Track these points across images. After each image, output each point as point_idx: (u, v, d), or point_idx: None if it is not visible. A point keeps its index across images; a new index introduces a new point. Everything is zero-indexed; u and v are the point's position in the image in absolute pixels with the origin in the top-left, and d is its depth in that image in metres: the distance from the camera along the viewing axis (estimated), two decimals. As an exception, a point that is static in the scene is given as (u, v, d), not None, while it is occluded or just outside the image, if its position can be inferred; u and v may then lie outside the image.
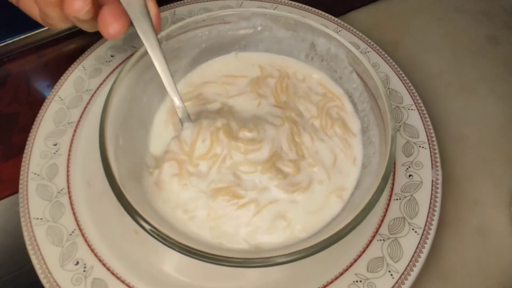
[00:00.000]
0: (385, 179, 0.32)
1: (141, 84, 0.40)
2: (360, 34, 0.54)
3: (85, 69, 0.49)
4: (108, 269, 0.37)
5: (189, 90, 0.45)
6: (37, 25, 0.55)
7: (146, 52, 0.40)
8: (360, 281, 0.37)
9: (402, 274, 0.37)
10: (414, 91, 0.49)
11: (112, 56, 0.51)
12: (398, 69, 0.51)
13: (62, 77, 0.48)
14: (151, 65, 0.37)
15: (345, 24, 0.54)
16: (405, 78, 0.50)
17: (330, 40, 0.42)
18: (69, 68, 0.49)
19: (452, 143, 0.48)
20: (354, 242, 0.39)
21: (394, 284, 0.37)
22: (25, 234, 0.38)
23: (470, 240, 0.42)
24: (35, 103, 0.48)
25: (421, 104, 0.48)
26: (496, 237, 0.43)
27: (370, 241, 0.39)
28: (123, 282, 0.37)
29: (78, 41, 0.57)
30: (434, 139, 0.45)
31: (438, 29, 0.59)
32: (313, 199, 0.38)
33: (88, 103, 0.47)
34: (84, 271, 0.37)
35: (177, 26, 0.42)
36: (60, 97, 0.47)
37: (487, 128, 0.50)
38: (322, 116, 0.42)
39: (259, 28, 0.41)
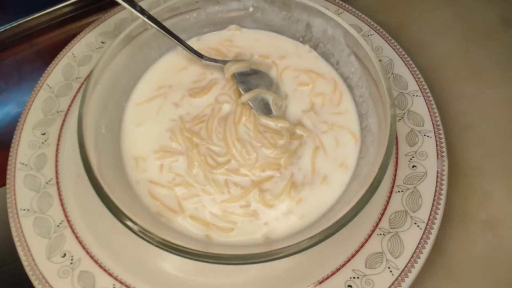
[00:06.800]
0: (382, 169, 0.30)
1: (126, 71, 0.38)
2: (363, 16, 0.51)
3: (74, 56, 0.48)
4: (96, 261, 0.36)
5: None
6: (28, 12, 0.55)
7: (130, 38, 0.39)
8: (358, 277, 0.35)
9: (403, 271, 0.35)
10: (419, 76, 0.46)
11: (102, 42, 0.49)
12: (403, 52, 0.48)
13: (50, 65, 0.47)
14: (138, 49, 0.35)
15: (347, 6, 0.51)
16: (411, 62, 0.47)
17: (326, 21, 0.39)
18: (58, 56, 0.48)
19: (460, 132, 0.45)
20: (352, 237, 0.37)
21: (394, 281, 0.35)
22: (11, 225, 0.38)
23: (477, 235, 0.40)
24: (27, 92, 0.47)
25: (427, 90, 0.45)
26: (506, 231, 0.40)
27: (370, 236, 0.37)
28: (111, 275, 0.36)
29: (70, 29, 0.55)
30: (440, 127, 0.42)
31: (448, 9, 0.56)
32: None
33: (77, 92, 0.46)
34: (71, 263, 0.36)
35: (164, 7, 0.40)
36: (48, 85, 0.46)
37: (498, 116, 0.47)
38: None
39: (250, 9, 0.39)
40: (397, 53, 0.48)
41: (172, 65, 0.44)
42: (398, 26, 0.54)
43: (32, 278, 0.35)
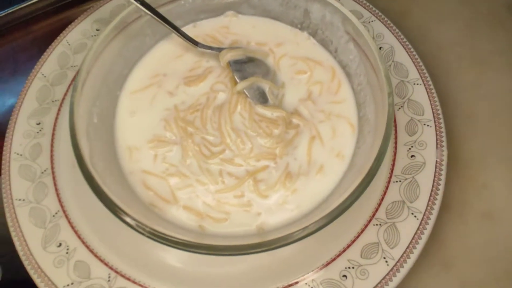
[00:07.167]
0: (378, 159, 0.29)
1: (120, 59, 0.38)
2: (364, 2, 0.49)
3: (69, 44, 0.47)
4: (91, 251, 0.36)
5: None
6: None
7: (124, 25, 0.38)
8: (353, 267, 0.35)
9: (398, 261, 0.35)
10: (421, 64, 0.45)
11: (98, 30, 0.48)
12: (405, 40, 0.46)
13: (45, 53, 0.46)
14: (132, 36, 0.35)
15: (348, -9, 0.50)
16: (412, 50, 0.46)
17: (325, 6, 0.38)
18: (52, 44, 0.47)
19: (461, 121, 0.44)
20: (348, 227, 0.36)
21: (389, 272, 0.34)
22: (7, 215, 0.38)
23: (476, 225, 0.39)
24: (22, 81, 0.46)
25: (428, 78, 0.44)
26: (505, 222, 0.39)
27: (366, 226, 0.37)
28: (106, 264, 0.36)
29: (67, 16, 0.54)
30: (440, 116, 0.42)
31: (452, -5, 0.54)
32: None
33: (73, 80, 0.45)
34: (67, 253, 0.36)
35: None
36: (43, 74, 0.45)
37: (501, 106, 0.45)
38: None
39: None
40: (398, 40, 0.46)
41: (167, 52, 0.43)
42: (401, 13, 0.52)
43: (28, 268, 0.35)
